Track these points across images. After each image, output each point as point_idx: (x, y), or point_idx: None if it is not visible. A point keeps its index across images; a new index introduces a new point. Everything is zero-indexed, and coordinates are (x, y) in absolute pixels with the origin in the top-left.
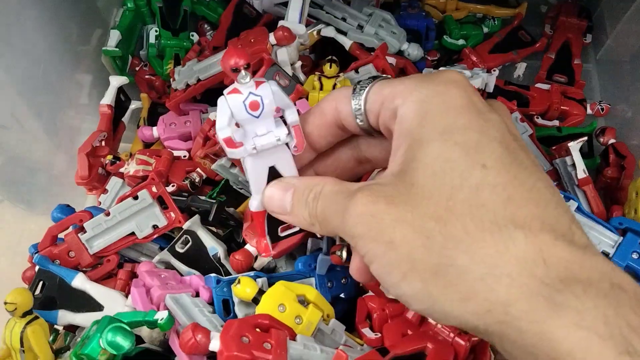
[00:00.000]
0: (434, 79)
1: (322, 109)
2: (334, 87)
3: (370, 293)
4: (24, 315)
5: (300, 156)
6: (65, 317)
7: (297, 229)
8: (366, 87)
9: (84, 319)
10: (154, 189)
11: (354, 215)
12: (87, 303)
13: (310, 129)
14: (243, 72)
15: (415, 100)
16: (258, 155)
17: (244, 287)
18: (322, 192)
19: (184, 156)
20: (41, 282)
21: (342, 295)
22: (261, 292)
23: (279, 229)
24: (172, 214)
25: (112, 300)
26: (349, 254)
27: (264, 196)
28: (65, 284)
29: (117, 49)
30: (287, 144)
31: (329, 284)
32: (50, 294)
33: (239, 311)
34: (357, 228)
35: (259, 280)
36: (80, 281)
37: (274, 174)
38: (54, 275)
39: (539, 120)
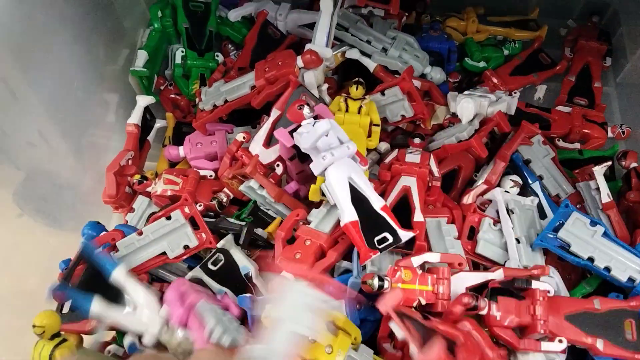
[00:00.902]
0: None
1: None
2: (359, 109)
3: None
4: (52, 337)
5: None
6: (99, 305)
7: (391, 240)
8: None
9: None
10: (186, 209)
11: None
12: (121, 299)
13: None
14: None
15: None
16: (336, 165)
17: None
18: None
19: (210, 176)
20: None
21: (369, 318)
22: None
23: (375, 241)
24: (203, 235)
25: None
26: (381, 282)
27: None
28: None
29: (145, 69)
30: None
31: (358, 307)
32: (89, 279)
33: None
34: None
35: None
36: (120, 273)
37: (352, 188)
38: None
39: (560, 143)
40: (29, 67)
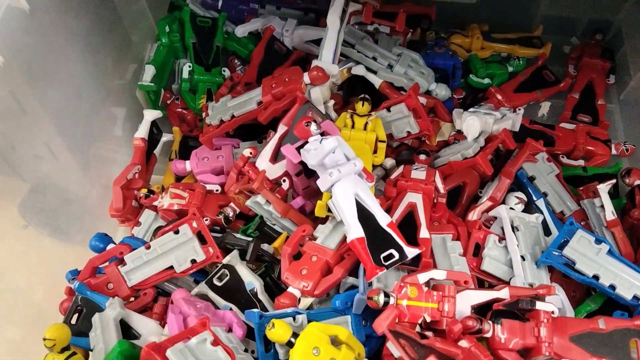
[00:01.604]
0: None
1: None
2: (365, 125)
3: None
4: (62, 351)
5: None
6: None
7: (398, 257)
8: None
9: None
10: (194, 224)
11: None
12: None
13: None
14: None
15: None
16: (343, 182)
17: (278, 330)
18: None
19: (217, 190)
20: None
21: (374, 334)
22: (295, 335)
23: (382, 258)
24: (211, 249)
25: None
26: (387, 298)
27: None
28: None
29: (152, 84)
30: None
31: (364, 323)
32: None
33: (280, 348)
34: None
35: (299, 317)
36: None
37: (358, 205)
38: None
39: (564, 160)
40: (38, 81)
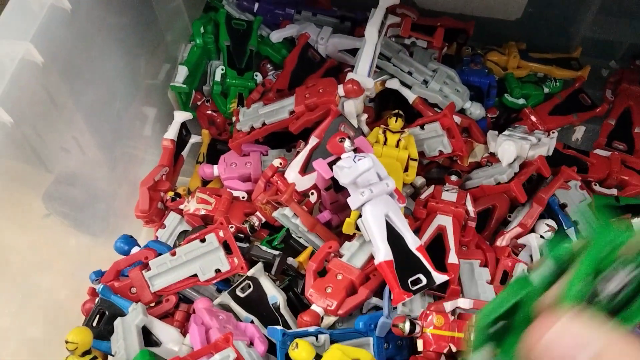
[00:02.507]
0: None
1: None
2: (397, 142)
3: None
4: (83, 354)
5: None
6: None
7: (425, 282)
8: None
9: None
10: (221, 233)
11: None
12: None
13: None
14: None
15: None
16: (374, 202)
17: (302, 352)
18: None
19: (243, 197)
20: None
21: (396, 358)
22: (318, 356)
23: (409, 282)
24: (236, 260)
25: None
26: (412, 326)
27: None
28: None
29: (185, 86)
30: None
31: (386, 346)
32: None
33: None
34: None
35: (322, 336)
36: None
37: (388, 226)
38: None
39: (597, 188)
40: (73, 78)
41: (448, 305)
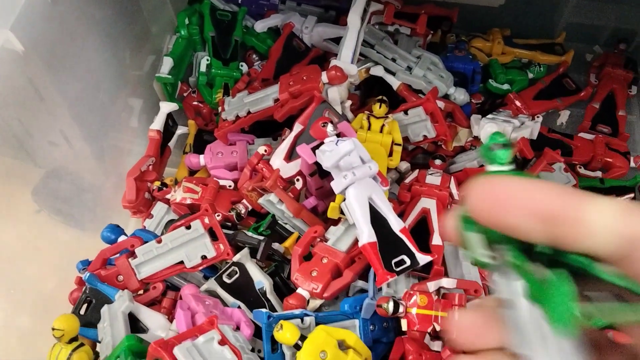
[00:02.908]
0: None
1: None
2: (381, 128)
3: None
4: (70, 341)
5: None
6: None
7: (409, 263)
8: None
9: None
10: (206, 220)
11: None
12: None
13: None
14: None
15: None
16: (357, 185)
17: (286, 333)
18: None
19: (229, 186)
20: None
21: (383, 340)
22: (302, 337)
23: (393, 264)
24: (222, 246)
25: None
26: (396, 307)
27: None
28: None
29: (170, 76)
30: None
31: (372, 327)
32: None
33: (287, 349)
34: None
35: (307, 319)
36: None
37: (372, 209)
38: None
39: (582, 171)
40: (57, 69)
41: (431, 285)
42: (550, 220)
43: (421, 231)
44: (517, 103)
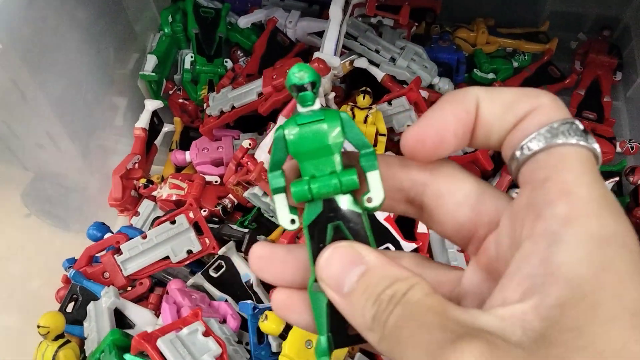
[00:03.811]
0: None
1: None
2: (365, 118)
3: None
4: (56, 338)
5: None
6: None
7: (393, 251)
8: None
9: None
10: (191, 214)
11: None
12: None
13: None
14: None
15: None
16: None
17: (271, 324)
18: (406, 298)
19: (216, 181)
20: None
21: None
22: (288, 327)
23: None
24: (207, 240)
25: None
26: None
27: (320, 259)
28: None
29: (154, 74)
30: None
31: None
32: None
33: (273, 340)
34: None
35: None
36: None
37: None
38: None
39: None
40: (39, 69)
41: None
42: None
43: (407, 220)
44: None
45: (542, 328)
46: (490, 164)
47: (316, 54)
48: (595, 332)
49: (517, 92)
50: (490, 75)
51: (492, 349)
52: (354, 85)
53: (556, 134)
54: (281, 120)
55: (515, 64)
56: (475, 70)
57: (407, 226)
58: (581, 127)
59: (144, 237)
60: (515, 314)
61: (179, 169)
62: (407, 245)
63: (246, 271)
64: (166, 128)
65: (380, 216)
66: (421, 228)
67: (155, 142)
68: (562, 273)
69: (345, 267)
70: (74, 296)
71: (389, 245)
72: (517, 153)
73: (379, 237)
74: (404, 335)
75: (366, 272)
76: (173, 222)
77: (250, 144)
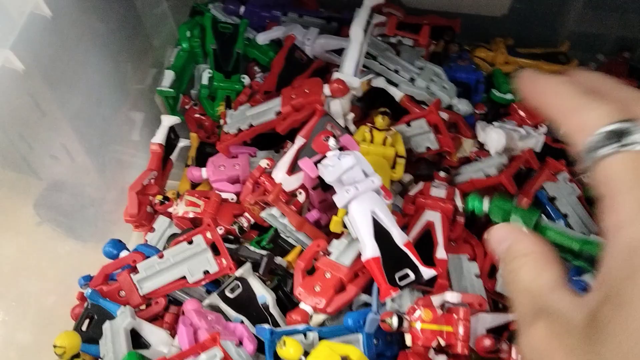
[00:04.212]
0: None
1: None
2: (384, 140)
3: None
4: (72, 358)
5: None
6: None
7: (413, 277)
8: None
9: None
10: (208, 234)
11: (525, 344)
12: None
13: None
14: None
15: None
16: (360, 199)
17: (289, 349)
18: (521, 269)
19: (232, 199)
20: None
21: (386, 354)
22: (306, 353)
23: (397, 278)
24: (224, 261)
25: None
26: (400, 322)
27: (495, 231)
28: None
29: (171, 90)
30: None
31: (375, 342)
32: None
33: None
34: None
35: (310, 334)
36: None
37: (375, 223)
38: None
39: (586, 180)
40: (58, 85)
41: (436, 299)
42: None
43: (425, 245)
44: (521, 113)
45: (589, 316)
46: (515, 188)
47: (335, 74)
48: (617, 323)
49: None
50: (509, 96)
51: (556, 326)
52: (371, 104)
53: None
54: (299, 140)
55: None
56: (493, 90)
57: (426, 252)
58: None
59: (161, 257)
60: (582, 302)
61: (194, 185)
62: (427, 272)
63: (262, 293)
64: (182, 143)
65: (400, 241)
66: (440, 254)
67: (172, 157)
68: (608, 276)
69: (508, 236)
70: (90, 314)
71: (408, 271)
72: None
73: (398, 262)
74: (513, 295)
75: (510, 247)
76: (190, 242)
77: (268, 164)
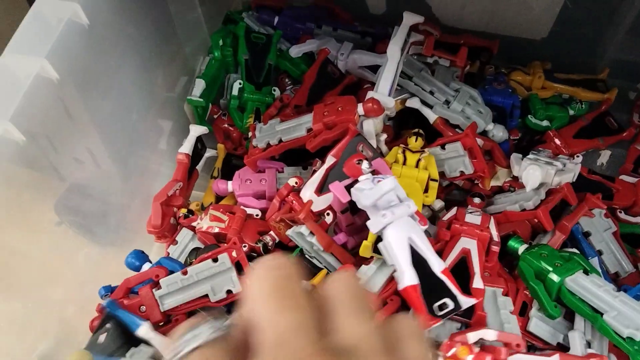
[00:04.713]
0: None
1: None
2: (417, 162)
3: None
4: None
5: None
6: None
7: (452, 307)
8: None
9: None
10: (234, 253)
11: None
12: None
13: None
14: None
15: None
16: (396, 224)
17: None
18: None
19: (257, 215)
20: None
21: None
22: None
23: (435, 307)
24: None
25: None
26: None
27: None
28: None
29: (201, 99)
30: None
31: None
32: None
33: None
34: None
35: None
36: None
37: (412, 250)
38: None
39: (622, 216)
40: (90, 89)
41: (472, 336)
42: None
43: (460, 273)
44: (557, 141)
45: None
46: (551, 225)
47: (370, 94)
48: None
49: None
50: (545, 123)
51: None
52: (403, 124)
53: None
54: (330, 159)
55: (571, 112)
56: (529, 116)
57: (460, 281)
58: None
59: (184, 273)
60: None
61: (219, 197)
62: (466, 301)
63: None
64: (208, 153)
65: (437, 268)
66: (477, 283)
67: (197, 167)
68: None
69: None
70: (107, 327)
71: (447, 300)
72: None
73: (436, 291)
74: None
75: None
76: (215, 260)
77: (296, 183)
